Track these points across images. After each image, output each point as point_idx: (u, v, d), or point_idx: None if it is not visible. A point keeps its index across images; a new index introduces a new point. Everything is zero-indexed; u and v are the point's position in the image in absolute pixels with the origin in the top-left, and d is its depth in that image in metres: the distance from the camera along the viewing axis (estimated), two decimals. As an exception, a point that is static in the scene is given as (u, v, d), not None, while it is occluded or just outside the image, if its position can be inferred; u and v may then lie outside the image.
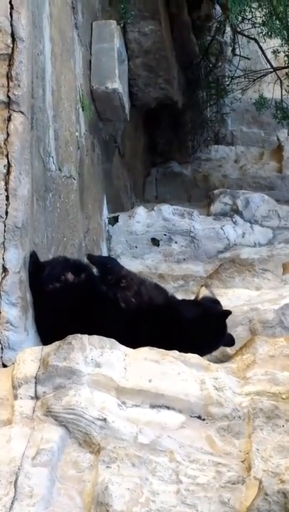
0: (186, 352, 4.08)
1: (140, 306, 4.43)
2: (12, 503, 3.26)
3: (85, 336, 3.89)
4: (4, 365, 4.03)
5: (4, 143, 4.14)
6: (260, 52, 10.21)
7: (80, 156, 6.04)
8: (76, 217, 5.68)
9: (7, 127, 4.15)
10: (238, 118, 11.63)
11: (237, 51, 10.76)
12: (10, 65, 4.19)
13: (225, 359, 4.63)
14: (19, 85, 4.18)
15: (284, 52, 8.95)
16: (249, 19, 9.47)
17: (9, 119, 4.16)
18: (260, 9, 8.49)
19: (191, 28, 9.41)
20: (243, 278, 6.13)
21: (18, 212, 4.09)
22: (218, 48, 10.78)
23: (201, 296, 4.76)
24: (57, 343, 3.87)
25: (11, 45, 4.20)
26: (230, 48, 10.99)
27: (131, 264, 6.71)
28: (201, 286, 4.94)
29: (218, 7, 9.95)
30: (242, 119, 11.68)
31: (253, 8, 8.50)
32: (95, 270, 4.65)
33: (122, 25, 7.67)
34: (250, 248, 7.15)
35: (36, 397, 3.70)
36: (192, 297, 5.55)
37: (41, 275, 4.35)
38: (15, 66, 4.20)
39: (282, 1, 6.93)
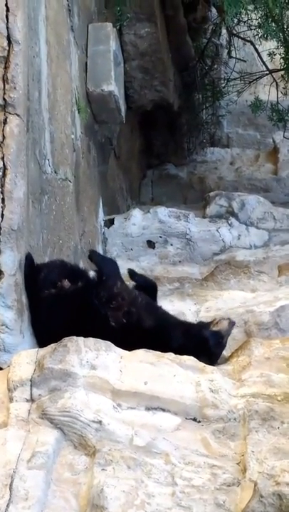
0: None
1: (129, 327, 4.41)
2: (7, 506, 3.26)
3: (81, 339, 3.89)
4: (0, 368, 4.03)
5: (0, 145, 4.14)
6: (255, 55, 10.22)
7: (75, 159, 6.04)
8: (72, 219, 5.68)
9: (3, 130, 4.15)
10: (233, 120, 11.64)
11: (233, 53, 10.77)
12: (6, 68, 4.19)
13: (220, 361, 4.63)
14: (15, 88, 4.18)
15: (280, 54, 8.95)
16: (245, 21, 9.48)
17: (5, 121, 4.16)
18: (255, 11, 8.50)
19: (187, 31, 9.42)
20: (238, 280, 6.13)
21: (14, 214, 4.09)
22: (214, 50, 10.79)
23: (217, 328, 4.68)
24: (52, 345, 3.87)
25: (7, 48, 4.20)
26: (226, 50, 11.00)
27: (126, 267, 6.71)
28: (229, 321, 4.73)
29: (214, 9, 9.96)
30: (238, 121, 11.69)
31: (249, 10, 8.50)
32: (92, 274, 4.65)
33: (118, 27, 7.67)
34: (245, 250, 7.15)
35: (32, 400, 3.70)
36: (187, 299, 5.57)
37: (37, 278, 4.35)
38: (11, 69, 4.20)
39: (278, 3, 6.93)
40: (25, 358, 3.85)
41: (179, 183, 10.19)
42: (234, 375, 4.09)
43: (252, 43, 9.88)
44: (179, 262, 6.97)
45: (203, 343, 4.47)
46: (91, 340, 3.91)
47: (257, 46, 9.75)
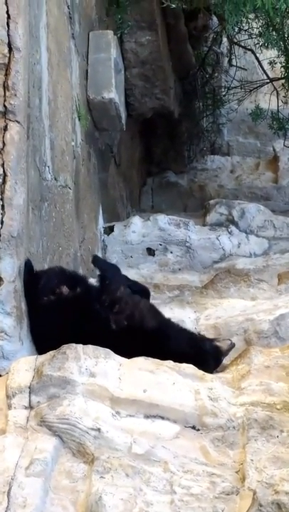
0: None
1: (130, 330, 4.41)
2: (5, 513, 3.25)
3: (80, 346, 3.89)
4: (-2, 375, 4.02)
5: (0, 152, 4.14)
6: (256, 63, 10.25)
7: (75, 166, 6.04)
8: (72, 226, 5.68)
9: (3, 136, 4.15)
10: (234, 128, 11.65)
11: (233, 62, 10.79)
12: (6, 75, 4.19)
13: (220, 369, 4.63)
14: (15, 95, 4.18)
15: (280, 63, 8.96)
16: (246, 30, 9.50)
17: (5, 128, 4.16)
18: (256, 20, 8.51)
19: (188, 39, 9.44)
20: (238, 288, 6.12)
21: (14, 221, 4.08)
22: (215, 58, 10.82)
23: (220, 345, 4.68)
24: (51, 352, 3.86)
25: (8, 55, 4.20)
26: (226, 59, 11.02)
27: (126, 274, 6.71)
28: (230, 343, 4.77)
29: (214, 18, 9.97)
30: (238, 129, 11.71)
31: (250, 19, 8.51)
32: (91, 281, 4.64)
33: (118, 35, 7.69)
34: (245, 258, 7.15)
35: (30, 407, 3.69)
36: (187, 307, 5.56)
37: (37, 285, 4.35)
38: (11, 76, 4.20)
39: (279, 12, 6.94)
40: (24, 365, 3.85)
41: (179, 190, 10.20)
42: (233, 383, 4.09)
43: (253, 52, 9.90)
44: (179, 269, 6.97)
45: (203, 354, 4.48)
46: (90, 347, 3.91)
47: (258, 55, 9.77)
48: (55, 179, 5.29)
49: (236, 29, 9.29)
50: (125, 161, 8.82)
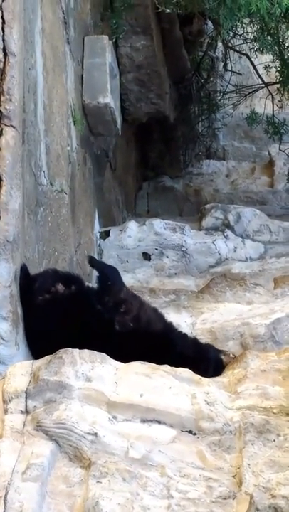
0: None
1: (136, 331, 4.40)
2: (2, 518, 3.24)
3: (76, 350, 3.88)
4: (-5, 380, 4.01)
5: (-5, 157, 4.14)
6: (251, 68, 10.25)
7: (71, 171, 6.04)
8: (67, 231, 5.68)
9: (-2, 141, 4.15)
10: (229, 133, 11.66)
11: (229, 66, 10.80)
12: (1, 80, 4.19)
13: (216, 374, 4.63)
14: (11, 100, 4.18)
15: (275, 67, 8.97)
16: (241, 35, 9.51)
17: (0, 133, 4.16)
18: (251, 25, 8.51)
19: (183, 44, 9.45)
20: (234, 292, 6.13)
21: (9, 226, 4.08)
22: (210, 63, 10.83)
23: (224, 357, 4.66)
24: (47, 357, 3.86)
25: (3, 60, 4.21)
26: (221, 63, 11.03)
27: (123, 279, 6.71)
28: (234, 355, 4.69)
29: (209, 23, 9.98)
30: (233, 133, 11.72)
31: (245, 23, 8.52)
32: (87, 284, 4.64)
33: (113, 40, 7.70)
34: (241, 263, 7.15)
35: (27, 412, 3.69)
36: (183, 311, 5.56)
37: (32, 288, 4.34)
38: (6, 81, 4.20)
39: (274, 16, 6.95)
40: (20, 370, 3.84)
41: (175, 195, 10.21)
42: (230, 387, 4.08)
43: (248, 56, 9.91)
44: (175, 274, 6.97)
45: (205, 361, 4.46)
46: (86, 352, 3.91)
47: (253, 59, 9.78)
48: (51, 184, 5.30)
49: (231, 34, 9.30)
50: (121, 166, 8.83)
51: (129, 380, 3.86)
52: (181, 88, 9.97)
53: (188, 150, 10.78)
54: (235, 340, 5.16)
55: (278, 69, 8.80)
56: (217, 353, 4.57)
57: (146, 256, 7.08)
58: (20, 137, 4.31)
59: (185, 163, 10.77)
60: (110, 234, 7.18)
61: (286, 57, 8.54)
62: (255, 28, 8.55)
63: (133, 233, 7.17)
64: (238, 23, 8.21)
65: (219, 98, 10.60)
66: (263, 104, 10.09)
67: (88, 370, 3.81)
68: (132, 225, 7.24)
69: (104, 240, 7.13)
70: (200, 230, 7.63)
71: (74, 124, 6.30)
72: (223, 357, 4.58)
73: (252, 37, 8.90)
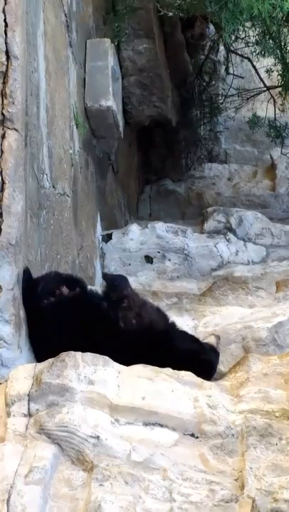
0: None
1: (139, 328, 4.42)
2: (4, 522, 3.24)
3: (79, 353, 3.88)
4: (-3, 383, 4.02)
5: (-2, 160, 4.15)
6: (253, 71, 10.26)
7: (73, 174, 6.05)
8: (70, 234, 5.69)
9: (1, 144, 4.15)
10: (231, 136, 11.67)
11: (230, 70, 10.81)
12: (4, 83, 4.20)
13: (218, 377, 4.62)
14: (13, 103, 4.19)
15: (277, 71, 8.98)
16: (242, 38, 9.51)
17: (3, 136, 4.16)
18: (253, 28, 8.52)
19: (185, 47, 9.47)
20: (236, 296, 6.12)
21: (12, 229, 4.08)
22: (212, 66, 10.84)
23: (206, 340, 4.71)
24: (50, 360, 3.86)
25: (6, 63, 4.20)
26: (223, 67, 11.04)
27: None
28: (212, 334, 4.84)
29: (211, 26, 10.00)
30: (235, 137, 11.72)
31: (247, 27, 8.52)
32: (90, 287, 4.65)
33: (116, 43, 7.70)
34: (243, 266, 7.15)
35: (29, 415, 3.69)
36: (185, 314, 5.55)
37: (35, 291, 4.34)
38: (9, 84, 4.20)
39: (276, 20, 6.96)
40: (23, 373, 3.84)
41: (177, 198, 10.21)
42: (232, 390, 4.08)
43: (249, 60, 9.92)
44: (177, 277, 6.97)
45: (208, 364, 4.49)
46: (89, 355, 3.90)
47: (254, 63, 9.79)
48: (53, 187, 5.30)
49: (233, 37, 9.30)
50: (123, 169, 8.83)
51: (131, 383, 3.86)
52: (183, 91, 9.99)
53: (190, 153, 10.79)
54: (237, 343, 5.15)
55: (280, 72, 8.81)
56: (213, 347, 4.61)
57: (149, 259, 7.08)
58: (22, 140, 4.31)
59: (187, 167, 10.78)
60: (112, 237, 7.18)
61: (288, 60, 8.55)
62: (257, 32, 8.57)
63: (135, 236, 7.17)
64: (240, 27, 8.21)
65: (221, 101, 10.61)
66: (264, 108, 10.09)
67: (91, 373, 3.81)
68: (134, 228, 7.24)
69: (106, 243, 7.13)
70: (202, 233, 7.63)
71: (76, 127, 6.30)
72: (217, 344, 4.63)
73: (254, 40, 8.91)
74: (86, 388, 3.74)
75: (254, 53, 9.08)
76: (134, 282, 6.59)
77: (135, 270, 6.98)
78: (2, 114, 4.17)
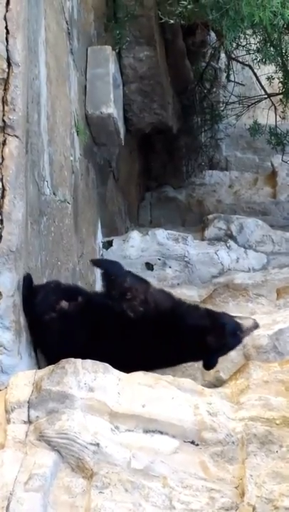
0: (188, 357, 4.18)
1: (148, 313, 4.40)
2: (4, 529, 3.24)
3: (79, 361, 3.88)
4: (-3, 389, 4.01)
5: (-1, 167, 4.15)
6: (254, 79, 10.27)
7: (74, 181, 6.05)
8: (70, 241, 5.69)
9: (2, 151, 4.16)
10: (232, 143, 11.67)
11: (231, 77, 10.82)
12: (5, 90, 4.20)
13: (219, 384, 4.62)
14: (14, 109, 4.19)
15: (278, 78, 8.99)
16: (243, 46, 9.52)
17: (4, 143, 4.17)
18: (254, 36, 8.53)
19: (186, 54, 9.48)
20: (237, 303, 6.12)
21: (13, 235, 4.09)
22: (213, 73, 10.85)
23: (240, 322, 4.60)
24: (50, 367, 3.86)
25: (7, 70, 4.21)
26: (224, 74, 11.05)
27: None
28: (255, 322, 4.67)
29: (212, 33, 10.01)
30: (236, 144, 11.73)
31: (248, 34, 8.53)
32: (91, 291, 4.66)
33: (117, 50, 7.71)
34: (244, 273, 7.15)
35: (29, 422, 3.69)
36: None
37: (34, 301, 4.34)
38: (10, 91, 4.21)
39: (277, 28, 6.97)
40: (23, 380, 3.84)
41: (178, 205, 10.20)
42: (232, 398, 4.08)
43: (250, 67, 9.94)
44: (178, 284, 6.97)
45: (220, 328, 4.43)
46: (89, 362, 3.91)
47: (255, 70, 9.80)
48: (54, 194, 5.30)
49: (234, 45, 9.31)
50: (124, 176, 8.84)
51: (131, 391, 3.86)
52: (184, 98, 9.99)
53: (190, 160, 10.79)
54: (238, 350, 5.15)
55: (281, 80, 8.83)
56: (232, 319, 4.55)
57: (149, 266, 7.07)
58: (23, 147, 4.31)
59: (188, 174, 10.78)
60: (113, 244, 7.18)
61: (289, 68, 8.57)
62: (258, 39, 8.58)
63: (136, 243, 7.17)
64: (241, 34, 8.23)
65: (222, 109, 10.62)
66: (265, 115, 10.10)
67: (91, 380, 3.81)
68: (135, 235, 7.24)
69: (107, 249, 7.13)
70: (203, 240, 7.63)
71: (77, 134, 6.31)
72: (239, 320, 4.54)
73: (255, 48, 8.92)
74: (86, 395, 3.74)
75: (255, 61, 9.10)
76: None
77: (136, 277, 6.97)
78: (3, 120, 4.18)
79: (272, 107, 9.76)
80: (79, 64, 6.64)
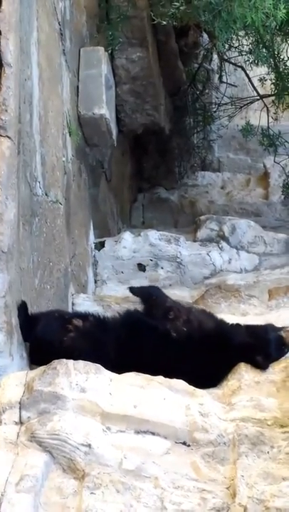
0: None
1: (190, 335, 4.43)
2: (-5, 530, 3.23)
3: (70, 361, 3.88)
4: (-11, 390, 4.00)
5: (-9, 167, 4.15)
6: (246, 80, 10.26)
7: (66, 181, 6.05)
8: (62, 242, 5.68)
9: (-6, 152, 4.16)
10: (224, 145, 11.67)
11: (224, 78, 10.80)
12: (-3, 90, 4.21)
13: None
14: (6, 110, 4.20)
15: (270, 80, 8.99)
16: (236, 47, 9.51)
17: (-4, 143, 4.17)
18: (246, 37, 8.53)
19: (179, 56, 9.46)
20: (229, 304, 6.12)
21: (4, 236, 4.08)
22: (205, 75, 10.84)
23: (285, 335, 4.54)
24: (42, 367, 3.86)
25: (-1, 71, 4.22)
26: (217, 76, 11.03)
27: (117, 290, 6.70)
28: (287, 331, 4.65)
29: (205, 35, 10.00)
30: (229, 145, 11.72)
31: (240, 36, 8.53)
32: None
33: (109, 51, 7.71)
34: (236, 274, 7.15)
35: (21, 423, 3.68)
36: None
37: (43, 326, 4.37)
38: (2, 91, 4.21)
39: (269, 29, 6.97)
40: (15, 380, 3.84)
41: (170, 206, 10.19)
42: (224, 398, 4.08)
43: (243, 69, 9.92)
44: (170, 285, 6.96)
45: (265, 344, 4.44)
46: (81, 362, 3.90)
47: (248, 71, 9.79)
48: (46, 194, 5.30)
49: (227, 46, 9.30)
50: (116, 177, 8.83)
51: (123, 391, 3.86)
52: (177, 100, 9.98)
53: (183, 161, 10.78)
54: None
55: (273, 81, 8.83)
56: (276, 331, 4.55)
57: (141, 267, 7.07)
58: (15, 148, 4.31)
59: (180, 175, 10.76)
60: (105, 245, 7.17)
61: (281, 69, 8.57)
62: (250, 41, 8.57)
63: (128, 244, 7.16)
64: (234, 36, 8.23)
65: (214, 110, 10.60)
66: (258, 116, 10.10)
67: (83, 381, 3.81)
68: (127, 236, 7.23)
69: (99, 250, 7.11)
70: (195, 241, 7.63)
71: (69, 135, 6.31)
72: (283, 333, 4.53)
73: (247, 49, 8.92)
74: (78, 396, 3.74)
75: (247, 62, 9.09)
76: (126, 290, 6.58)
77: (128, 278, 6.96)
78: (-5, 121, 4.18)
79: (265, 108, 9.76)
80: (71, 65, 6.64)
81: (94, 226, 7.30)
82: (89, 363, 3.92)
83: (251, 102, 10.23)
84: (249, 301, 6.13)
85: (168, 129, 9.28)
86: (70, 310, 5.72)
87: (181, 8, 6.99)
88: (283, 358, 4.48)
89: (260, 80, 9.60)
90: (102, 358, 4.11)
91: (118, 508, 3.38)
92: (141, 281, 6.97)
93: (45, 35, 5.48)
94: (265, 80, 9.40)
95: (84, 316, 4.55)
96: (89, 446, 3.57)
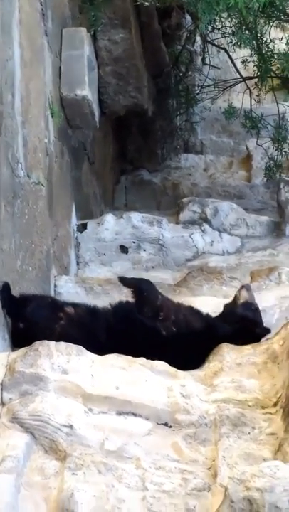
0: None
1: (179, 334, 4.49)
2: (-24, 511, 3.24)
3: (52, 343, 3.88)
4: None
5: (-28, 149, 4.13)
6: (229, 62, 10.25)
7: (48, 163, 6.02)
8: (44, 223, 5.67)
9: (-25, 133, 4.14)
10: (207, 127, 11.65)
11: (207, 60, 10.78)
12: (-22, 71, 4.19)
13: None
14: (-13, 91, 4.18)
15: (253, 62, 8.97)
16: (219, 29, 9.49)
17: (-23, 124, 4.15)
18: (229, 19, 8.50)
19: (162, 37, 9.43)
20: (211, 286, 6.13)
21: (-14, 218, 4.08)
22: (188, 57, 10.80)
23: (241, 300, 4.74)
24: (23, 349, 3.86)
25: (-20, 51, 4.20)
26: (200, 57, 11.01)
27: (99, 272, 6.70)
28: (241, 287, 4.90)
29: (188, 16, 9.97)
30: (211, 128, 11.71)
31: (223, 18, 8.50)
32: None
33: (92, 32, 7.66)
34: (218, 256, 7.16)
35: (2, 404, 3.68)
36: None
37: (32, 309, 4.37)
38: (-17, 72, 4.19)
39: (252, 11, 6.95)
40: (-4, 362, 3.84)
41: (153, 188, 10.17)
42: (206, 380, 4.09)
43: (226, 51, 9.90)
44: (152, 267, 6.96)
45: (246, 321, 4.58)
46: (62, 344, 3.90)
47: (231, 54, 9.77)
48: (28, 176, 5.28)
49: (209, 28, 9.28)
50: (99, 159, 8.81)
51: (105, 373, 3.86)
52: (160, 81, 9.94)
53: (166, 144, 10.76)
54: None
55: (256, 63, 8.81)
56: (237, 304, 4.72)
57: (124, 249, 7.06)
58: (-3, 129, 4.30)
59: (163, 157, 10.74)
60: (87, 227, 7.16)
61: (264, 51, 8.54)
62: (233, 23, 8.55)
63: (110, 226, 7.15)
64: (217, 17, 8.20)
65: (197, 92, 10.58)
66: (240, 99, 10.09)
67: (64, 362, 3.81)
68: (110, 218, 7.22)
69: (81, 232, 7.10)
70: (177, 223, 7.63)
71: (52, 117, 6.28)
72: (242, 300, 4.70)
73: (230, 31, 8.90)
74: (60, 377, 3.74)
75: (230, 44, 9.07)
76: (108, 272, 6.60)
77: (110, 260, 6.96)
78: (-24, 102, 4.16)
79: (247, 90, 9.75)
80: (53, 46, 6.60)
81: (76, 208, 7.28)
82: (71, 344, 3.92)
83: (234, 84, 10.22)
84: (231, 283, 6.14)
85: (151, 111, 9.26)
86: (52, 292, 5.71)
87: (163, -11, 6.97)
88: (264, 339, 4.51)
89: (243, 62, 9.58)
90: (92, 348, 4.11)
91: (100, 489, 3.40)
92: (123, 263, 6.97)
93: (26, 16, 5.44)
94: (248, 62, 9.38)
95: (76, 306, 4.55)
96: (71, 427, 3.58)
